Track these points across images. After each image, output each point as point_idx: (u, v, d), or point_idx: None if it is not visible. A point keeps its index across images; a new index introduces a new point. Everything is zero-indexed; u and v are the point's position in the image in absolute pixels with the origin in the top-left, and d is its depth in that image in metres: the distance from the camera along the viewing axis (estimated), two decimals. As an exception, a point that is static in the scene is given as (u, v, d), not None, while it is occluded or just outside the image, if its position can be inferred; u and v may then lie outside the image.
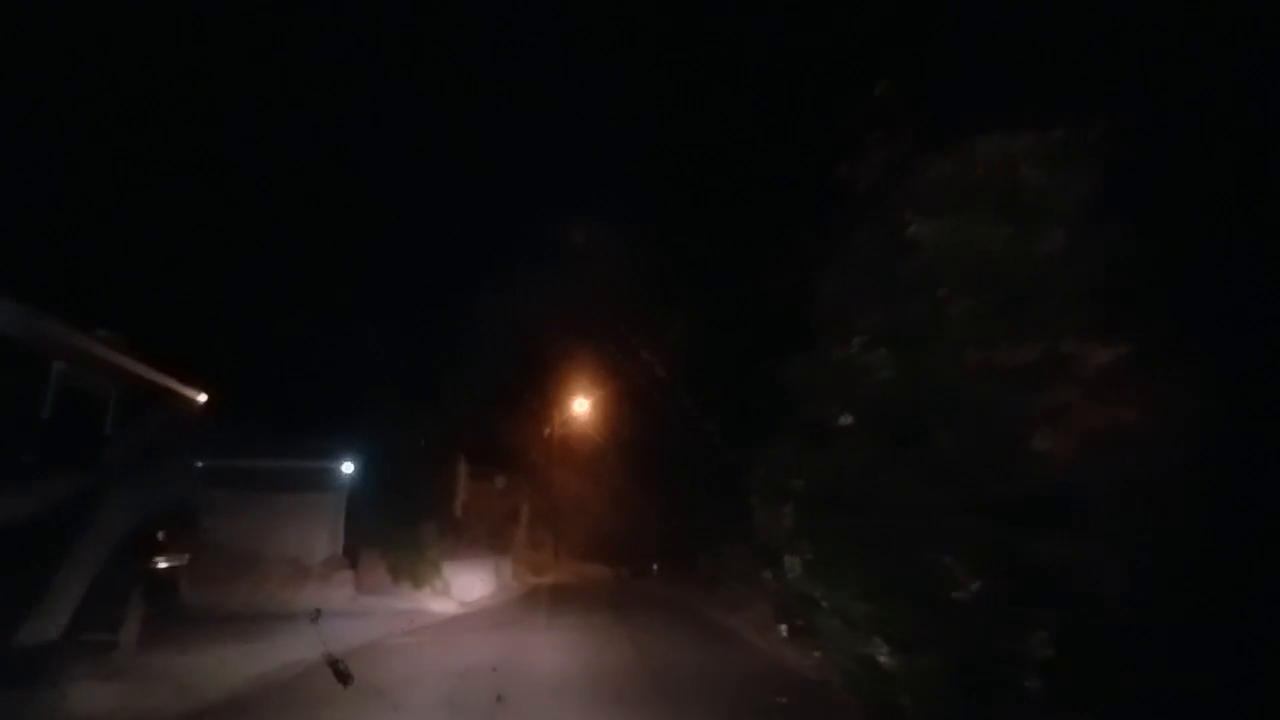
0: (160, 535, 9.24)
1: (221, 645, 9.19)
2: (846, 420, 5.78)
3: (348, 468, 16.50)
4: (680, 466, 21.82)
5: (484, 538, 21.90)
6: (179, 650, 8.54)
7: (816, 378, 6.18)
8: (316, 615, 10.10)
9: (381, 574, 15.95)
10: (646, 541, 26.73)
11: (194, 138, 16.57)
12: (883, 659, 5.24)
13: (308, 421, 16.46)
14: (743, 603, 13.49)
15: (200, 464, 12.18)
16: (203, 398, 10.16)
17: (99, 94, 14.01)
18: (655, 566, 26.58)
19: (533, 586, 21.17)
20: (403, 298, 22.66)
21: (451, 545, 18.58)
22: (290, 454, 15.89)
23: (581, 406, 26.07)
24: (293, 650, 9.01)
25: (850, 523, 5.47)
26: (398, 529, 16.29)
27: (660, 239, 20.11)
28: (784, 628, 9.47)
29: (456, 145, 26.58)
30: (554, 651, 10.11)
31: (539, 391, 25.02)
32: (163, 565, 9.18)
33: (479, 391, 20.99)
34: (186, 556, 9.87)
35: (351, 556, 15.83)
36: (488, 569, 18.33)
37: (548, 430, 25.98)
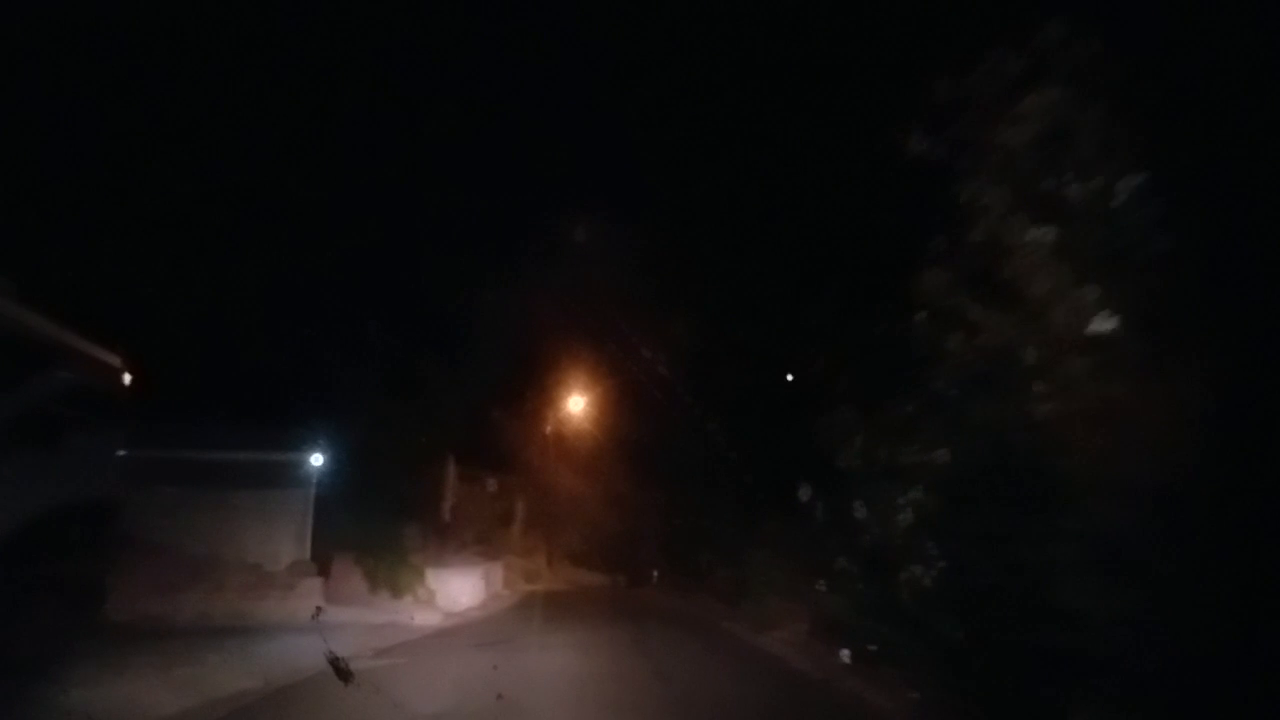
0: (71, 534, 7.70)
1: (140, 672, 7.63)
2: (1105, 325, 3.79)
3: (317, 461, 14.63)
4: (687, 463, 20.03)
5: (473, 542, 20.51)
6: (83, 679, 6.89)
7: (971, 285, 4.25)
8: (317, 612, 9.68)
9: (356, 581, 14.36)
10: (646, 546, 24.91)
11: (166, 98, 14.67)
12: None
13: (271, 409, 14.61)
14: (775, 619, 11.55)
15: (143, 455, 10.63)
16: (127, 376, 8.70)
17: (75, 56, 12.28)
18: (655, 574, 24.69)
19: (526, 595, 19.60)
20: (387, 281, 20.81)
21: (437, 550, 17.21)
22: (250, 445, 14.05)
23: (578, 405, 24.63)
24: (227, 679, 7.47)
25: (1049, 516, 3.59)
26: (376, 531, 14.77)
27: (664, 213, 18.33)
28: (846, 653, 7.61)
29: (451, 126, 24.76)
30: (561, 682, 8.20)
31: (535, 388, 23.60)
32: (74, 571, 7.81)
33: (471, 386, 19.47)
34: (104, 561, 8.26)
35: (322, 562, 14.03)
36: (477, 576, 16.91)
37: (545, 428, 24.34)
